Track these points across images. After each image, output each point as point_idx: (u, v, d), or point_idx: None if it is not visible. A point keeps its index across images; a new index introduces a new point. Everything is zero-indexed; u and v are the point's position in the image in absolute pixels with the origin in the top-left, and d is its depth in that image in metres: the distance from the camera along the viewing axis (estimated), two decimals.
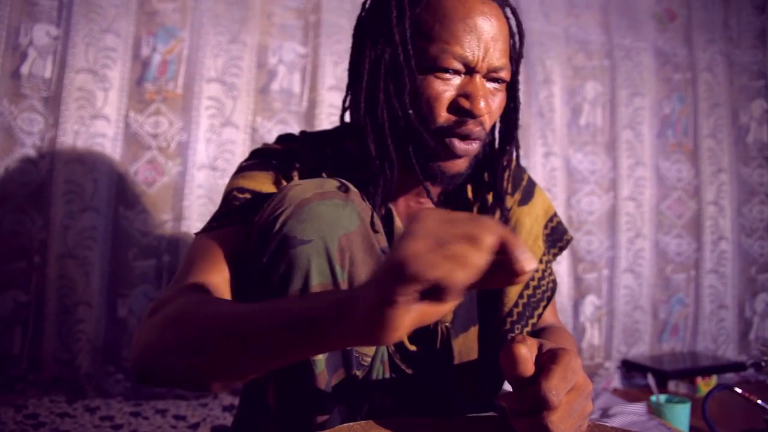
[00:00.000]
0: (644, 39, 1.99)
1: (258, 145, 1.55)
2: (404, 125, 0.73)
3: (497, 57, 0.71)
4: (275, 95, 1.61)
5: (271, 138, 1.59)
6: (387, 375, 0.74)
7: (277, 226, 0.60)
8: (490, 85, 0.73)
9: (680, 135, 2.03)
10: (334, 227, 0.60)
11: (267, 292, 0.61)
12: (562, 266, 1.84)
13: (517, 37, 0.79)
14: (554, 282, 0.87)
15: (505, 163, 0.83)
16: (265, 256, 0.61)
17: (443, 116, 0.72)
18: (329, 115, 1.62)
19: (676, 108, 2.03)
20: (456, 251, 0.39)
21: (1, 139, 1.39)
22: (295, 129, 1.61)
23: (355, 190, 0.65)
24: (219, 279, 0.65)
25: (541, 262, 0.86)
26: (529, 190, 0.90)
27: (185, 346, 0.54)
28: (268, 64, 1.61)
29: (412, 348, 0.78)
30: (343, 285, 0.60)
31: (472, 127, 0.72)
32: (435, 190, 0.80)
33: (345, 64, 1.64)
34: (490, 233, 0.40)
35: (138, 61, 1.51)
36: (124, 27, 1.49)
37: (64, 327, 1.42)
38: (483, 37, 0.70)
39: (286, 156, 0.81)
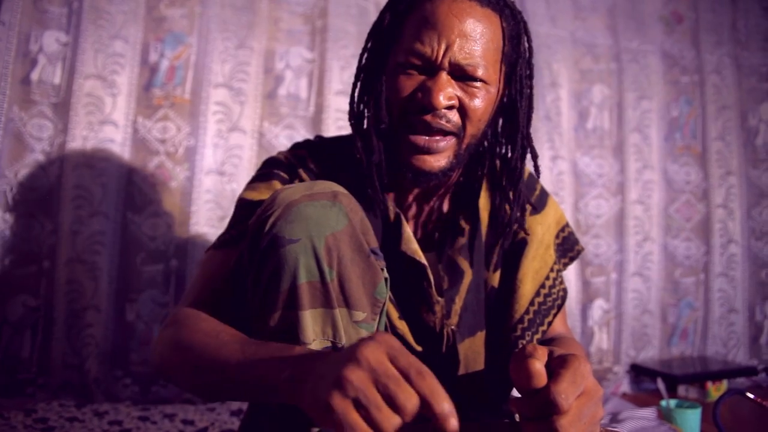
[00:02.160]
0: (651, 42, 1.99)
1: (265, 151, 1.57)
2: (377, 123, 0.76)
3: (465, 54, 0.72)
4: (282, 100, 1.62)
5: (278, 143, 1.60)
6: None
7: (267, 227, 0.62)
8: (465, 85, 0.74)
9: (688, 138, 2.02)
10: (321, 227, 0.61)
11: (259, 291, 0.63)
12: (569, 270, 1.83)
13: (524, 41, 0.79)
14: (564, 291, 0.87)
15: (500, 166, 0.83)
16: (256, 256, 0.63)
17: (402, 109, 0.74)
18: (336, 119, 1.63)
19: (683, 111, 2.02)
20: (375, 415, 0.44)
21: (12, 144, 1.41)
22: (302, 134, 1.61)
23: (346, 192, 0.66)
24: (219, 299, 0.72)
25: (552, 270, 0.86)
26: (541, 200, 0.90)
27: (185, 369, 0.64)
28: (275, 69, 1.62)
29: (419, 348, 0.78)
30: (332, 284, 0.61)
31: (430, 119, 0.73)
32: (418, 189, 0.81)
33: (352, 69, 1.65)
34: (411, 398, 0.45)
35: (146, 67, 1.52)
36: (133, 33, 1.51)
37: (73, 331, 1.43)
38: (445, 33, 0.71)
39: (294, 164, 0.83)
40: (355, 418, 0.44)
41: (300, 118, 1.63)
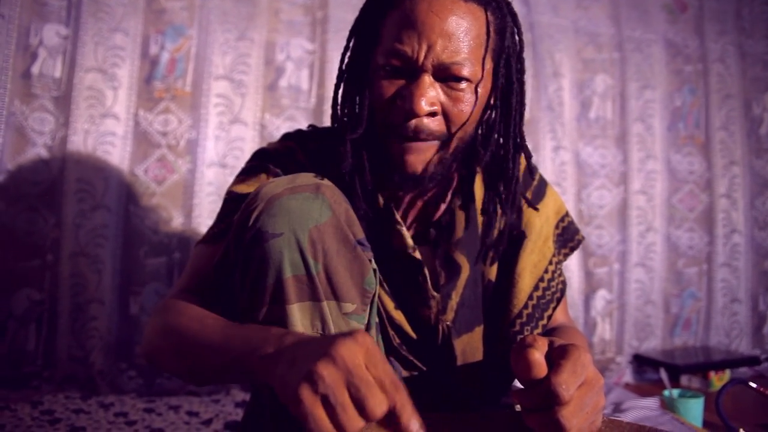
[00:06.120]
0: (654, 31, 1.97)
1: (267, 142, 1.57)
2: (358, 127, 0.74)
3: (448, 54, 0.68)
4: (283, 92, 1.61)
5: (279, 135, 1.59)
6: None
7: (251, 221, 0.62)
8: (449, 86, 0.71)
9: (692, 127, 2.01)
10: (304, 220, 0.61)
11: (246, 286, 0.62)
12: (572, 261, 1.83)
13: (513, 34, 0.76)
14: (564, 283, 0.86)
15: (483, 164, 0.81)
16: (241, 251, 0.62)
17: (385, 114, 0.72)
18: None
19: (687, 100, 2.01)
20: (341, 415, 0.45)
21: (13, 138, 1.41)
22: (303, 125, 1.61)
23: (329, 183, 0.65)
24: (207, 292, 0.73)
25: (551, 263, 0.85)
26: (539, 190, 0.88)
27: (170, 353, 0.66)
28: (276, 61, 1.61)
29: (416, 337, 0.78)
30: (319, 277, 0.61)
31: (413, 125, 0.70)
32: (406, 190, 0.79)
33: None
34: (380, 405, 0.46)
35: (147, 60, 1.52)
36: (133, 26, 1.50)
37: (78, 324, 1.44)
38: (426, 33, 0.68)
39: (284, 155, 0.82)
40: (321, 414, 0.45)
41: (301, 110, 1.63)
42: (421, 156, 0.72)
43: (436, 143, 0.73)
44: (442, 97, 0.71)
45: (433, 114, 0.71)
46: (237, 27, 1.58)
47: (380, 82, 0.72)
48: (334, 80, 1.65)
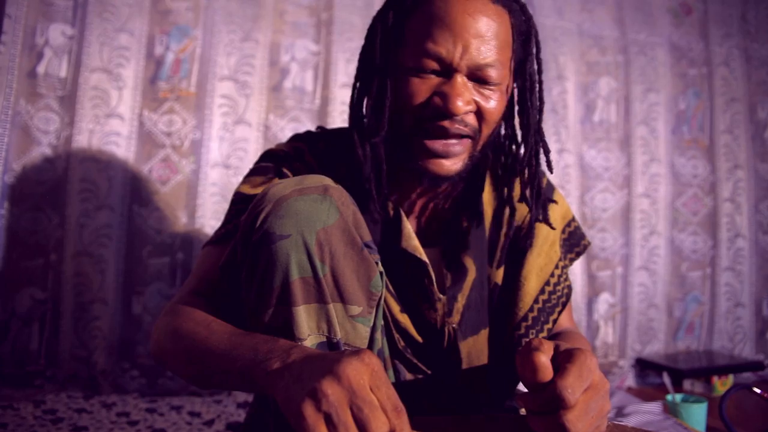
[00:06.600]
0: (659, 34, 1.97)
1: (271, 143, 1.57)
2: (382, 126, 0.74)
3: (482, 56, 0.70)
4: (288, 93, 1.62)
5: (284, 136, 1.59)
6: (390, 372, 0.74)
7: (258, 223, 0.61)
8: (480, 86, 0.72)
9: (696, 131, 2.01)
10: (311, 222, 0.61)
11: (253, 288, 0.62)
12: (575, 264, 1.83)
13: (532, 36, 0.77)
14: (569, 288, 0.86)
15: (502, 166, 0.82)
16: (248, 252, 0.62)
17: (417, 115, 0.72)
18: (342, 112, 1.62)
19: (691, 103, 2.00)
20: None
21: (18, 138, 1.41)
22: (308, 126, 1.61)
23: (337, 185, 0.65)
24: (215, 293, 0.73)
25: (557, 267, 0.85)
26: (547, 194, 0.89)
27: (178, 357, 0.66)
28: (281, 62, 1.61)
29: (421, 340, 0.78)
30: (325, 279, 0.61)
31: (447, 125, 0.71)
32: (429, 190, 0.80)
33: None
34: (382, 428, 0.46)
35: (151, 60, 1.52)
36: (138, 26, 1.50)
37: (80, 324, 1.44)
38: (461, 35, 0.69)
39: (292, 157, 0.82)
40: None
41: (306, 111, 1.63)
42: (453, 158, 0.73)
43: (468, 142, 0.74)
44: (476, 95, 0.72)
45: (467, 112, 0.72)
46: (242, 28, 1.58)
47: (411, 81, 0.72)
48: (338, 82, 1.67)
